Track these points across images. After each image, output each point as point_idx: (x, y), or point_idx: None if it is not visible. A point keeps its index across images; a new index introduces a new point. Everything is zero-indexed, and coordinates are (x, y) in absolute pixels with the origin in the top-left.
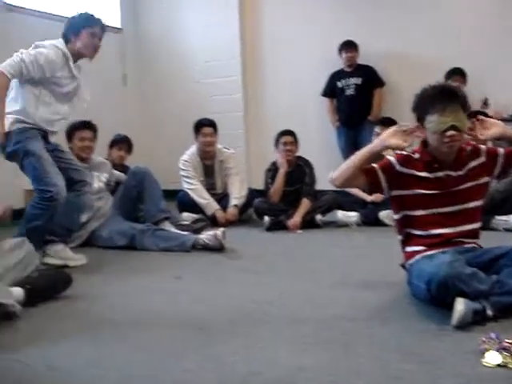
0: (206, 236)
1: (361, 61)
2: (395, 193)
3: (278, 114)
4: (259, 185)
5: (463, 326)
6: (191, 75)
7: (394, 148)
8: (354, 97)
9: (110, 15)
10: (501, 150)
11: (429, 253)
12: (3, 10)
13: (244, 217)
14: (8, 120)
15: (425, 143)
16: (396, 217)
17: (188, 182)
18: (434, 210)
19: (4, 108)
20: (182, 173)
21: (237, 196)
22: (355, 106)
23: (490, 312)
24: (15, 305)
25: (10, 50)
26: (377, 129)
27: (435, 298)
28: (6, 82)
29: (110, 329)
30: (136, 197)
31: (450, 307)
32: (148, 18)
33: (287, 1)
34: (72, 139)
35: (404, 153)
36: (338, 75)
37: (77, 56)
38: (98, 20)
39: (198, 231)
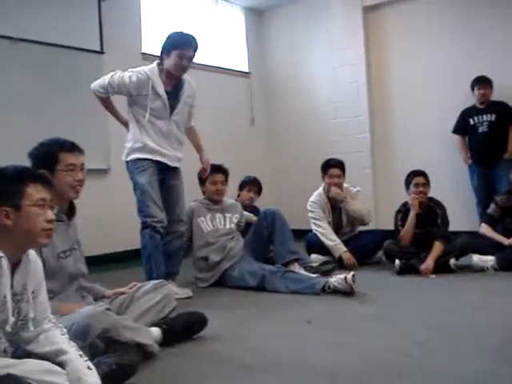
0: (336, 279)
1: (494, 97)
2: None
3: (407, 153)
4: (387, 225)
5: None
6: (318, 116)
7: None
8: (487, 134)
9: (239, 60)
10: None
11: None
12: (140, 59)
13: (374, 259)
14: (125, 151)
15: None
16: None
17: (316, 224)
18: None
19: (116, 111)
20: (310, 214)
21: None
22: (488, 143)
23: None
24: (154, 345)
25: None
26: None
27: None
28: (101, 98)
29: (244, 374)
30: (267, 238)
31: None
32: (274, 62)
33: (415, 38)
34: (205, 182)
35: None
36: (470, 112)
37: (168, 74)
38: (188, 42)
39: (326, 273)
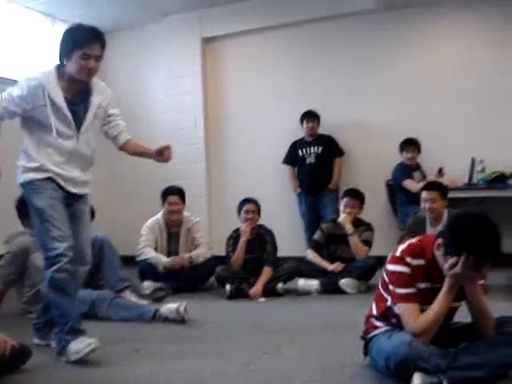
0: (168, 309)
1: (321, 130)
2: None
3: (241, 181)
4: (220, 251)
5: None
6: (156, 142)
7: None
8: (315, 165)
9: None
10: None
11: (386, 328)
12: None
13: (206, 285)
14: (18, 171)
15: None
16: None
17: (141, 248)
18: None
19: None
20: (141, 238)
21: (194, 253)
22: (316, 173)
23: None
24: None
25: None
26: (346, 199)
27: (394, 374)
28: None
29: None
30: (95, 266)
31: (409, 380)
32: (114, 85)
33: (250, 71)
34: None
35: None
36: (299, 144)
37: (72, 79)
38: (92, 36)
39: (158, 300)
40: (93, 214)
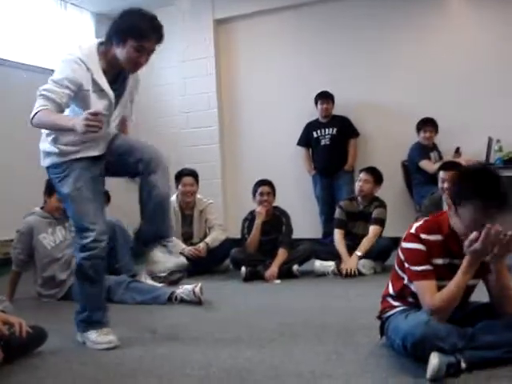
0: (184, 291)
1: (336, 111)
2: None
3: (255, 164)
4: (236, 233)
5: (438, 379)
6: (169, 125)
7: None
8: (330, 147)
9: None
10: None
11: (403, 308)
12: None
13: (221, 268)
14: (41, 155)
15: None
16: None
17: None
18: None
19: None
20: None
21: (209, 239)
22: (330, 155)
23: (464, 365)
24: None
25: None
26: (360, 174)
27: (411, 354)
28: (48, 112)
29: None
30: (109, 251)
31: (426, 360)
32: None
33: (263, 52)
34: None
35: None
36: (313, 125)
37: (113, 60)
38: (153, 31)
39: (174, 283)
40: (108, 198)
